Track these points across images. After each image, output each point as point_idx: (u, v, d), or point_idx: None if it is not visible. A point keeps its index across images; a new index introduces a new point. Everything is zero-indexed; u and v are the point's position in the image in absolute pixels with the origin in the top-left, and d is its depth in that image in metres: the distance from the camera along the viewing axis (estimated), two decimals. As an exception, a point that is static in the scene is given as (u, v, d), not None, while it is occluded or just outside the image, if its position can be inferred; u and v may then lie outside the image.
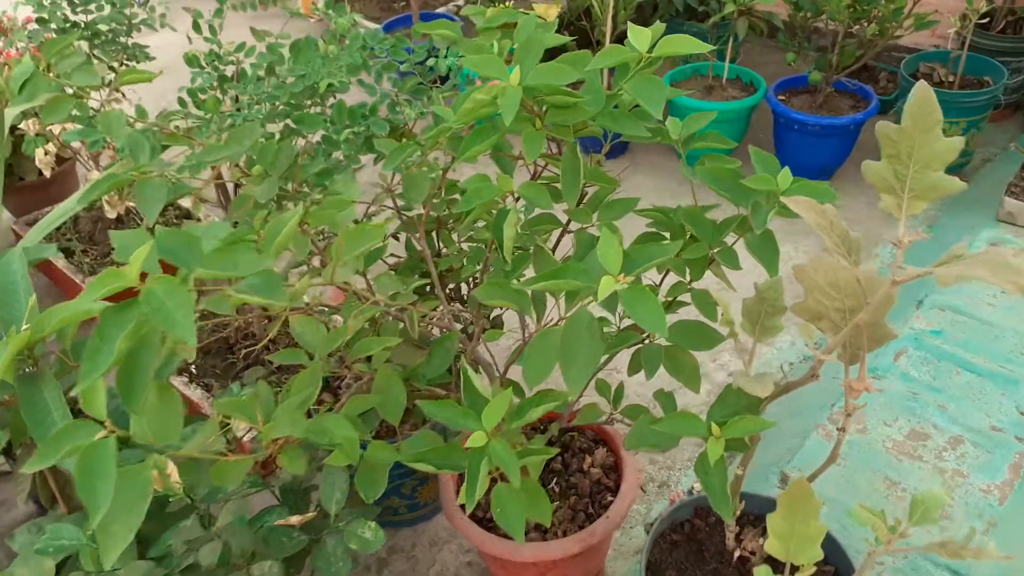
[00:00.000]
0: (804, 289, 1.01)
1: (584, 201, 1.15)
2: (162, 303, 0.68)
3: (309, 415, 1.21)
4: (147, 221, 1.04)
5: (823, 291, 1.00)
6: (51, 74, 1.20)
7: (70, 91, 1.30)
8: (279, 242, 0.76)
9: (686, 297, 1.20)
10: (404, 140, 1.41)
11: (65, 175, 2.68)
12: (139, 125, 1.26)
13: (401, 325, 1.28)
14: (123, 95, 2.36)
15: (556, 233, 1.23)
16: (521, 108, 0.97)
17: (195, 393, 1.92)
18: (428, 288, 1.47)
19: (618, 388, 1.32)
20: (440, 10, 3.80)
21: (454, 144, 1.14)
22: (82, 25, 2.13)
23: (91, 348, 0.68)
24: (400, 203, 1.40)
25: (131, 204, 2.25)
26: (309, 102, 1.60)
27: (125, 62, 2.29)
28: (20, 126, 2.19)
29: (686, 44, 1.01)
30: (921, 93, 0.86)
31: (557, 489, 1.50)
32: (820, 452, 1.75)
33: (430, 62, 1.49)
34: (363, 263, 0.88)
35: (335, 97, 1.56)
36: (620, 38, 2.95)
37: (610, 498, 1.46)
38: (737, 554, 1.26)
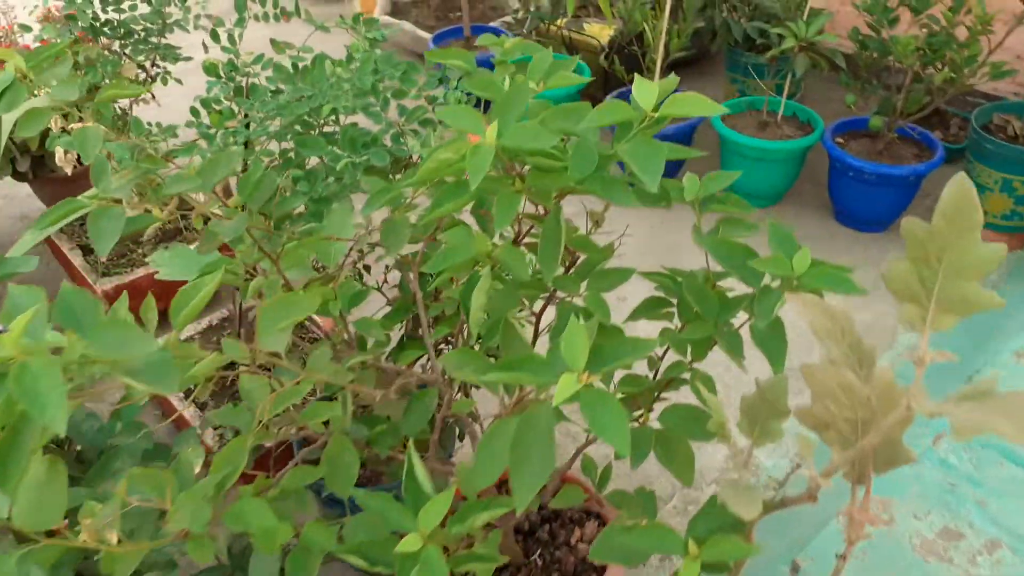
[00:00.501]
0: (811, 393, 0.88)
1: (573, 268, 1.04)
2: (34, 382, 0.59)
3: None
4: (100, 253, 0.96)
5: (834, 397, 0.86)
6: (31, 82, 1.14)
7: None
8: (185, 315, 0.67)
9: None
10: (400, 176, 1.32)
11: (84, 176, 2.66)
12: (116, 143, 1.19)
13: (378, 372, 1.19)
14: (152, 95, 2.33)
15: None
16: (499, 166, 0.86)
17: (188, 411, 1.86)
18: (419, 332, 1.37)
19: (605, 469, 1.20)
20: (494, 23, 3.71)
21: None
22: (114, 23, 2.10)
23: (-48, 426, 0.60)
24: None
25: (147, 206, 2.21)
26: (319, 123, 1.53)
27: (157, 62, 2.26)
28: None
29: (698, 106, 0.89)
30: (959, 189, 0.73)
31: (540, 562, 1.38)
32: (838, 542, 1.60)
33: (439, 92, 1.39)
34: (289, 333, 0.79)
35: (342, 120, 1.48)
36: (672, 66, 2.82)
37: (595, 578, 1.34)
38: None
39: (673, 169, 2.82)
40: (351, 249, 1.14)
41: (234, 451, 0.85)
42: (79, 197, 1.02)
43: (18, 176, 2.56)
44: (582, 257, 1.03)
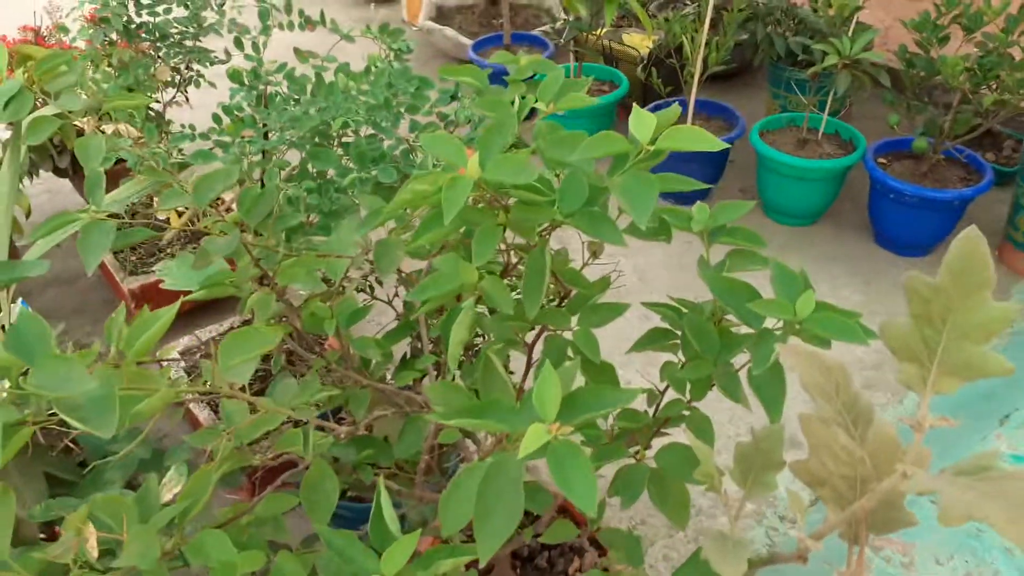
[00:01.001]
0: (809, 446, 0.83)
1: (566, 300, 1.00)
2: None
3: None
4: (87, 268, 0.96)
5: (831, 453, 0.81)
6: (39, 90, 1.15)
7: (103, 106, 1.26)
8: (136, 350, 0.65)
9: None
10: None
11: (126, 171, 2.70)
12: (127, 152, 1.20)
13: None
14: (187, 98, 2.35)
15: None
16: (482, 198, 0.83)
17: (203, 413, 1.87)
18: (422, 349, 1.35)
19: (599, 506, 1.16)
20: (535, 31, 3.68)
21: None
22: (149, 26, 2.13)
23: None
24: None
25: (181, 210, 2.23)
26: (335, 136, 1.52)
27: (190, 65, 2.28)
28: (79, 123, 2.20)
29: (696, 139, 0.85)
30: (968, 244, 0.68)
31: (537, 591, 1.35)
32: (853, 586, 1.53)
33: (449, 109, 1.37)
34: (251, 366, 0.77)
35: (358, 135, 1.46)
36: (710, 78, 2.76)
37: (591, 613, 1.30)
38: None
39: (710, 182, 2.75)
40: (348, 268, 1.12)
41: (199, 482, 0.83)
42: (74, 212, 1.02)
43: (59, 172, 2.61)
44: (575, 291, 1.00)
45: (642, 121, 0.86)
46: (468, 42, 3.69)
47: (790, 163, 2.56)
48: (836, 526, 0.80)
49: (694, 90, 2.70)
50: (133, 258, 2.31)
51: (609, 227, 0.80)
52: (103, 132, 2.21)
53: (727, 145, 0.86)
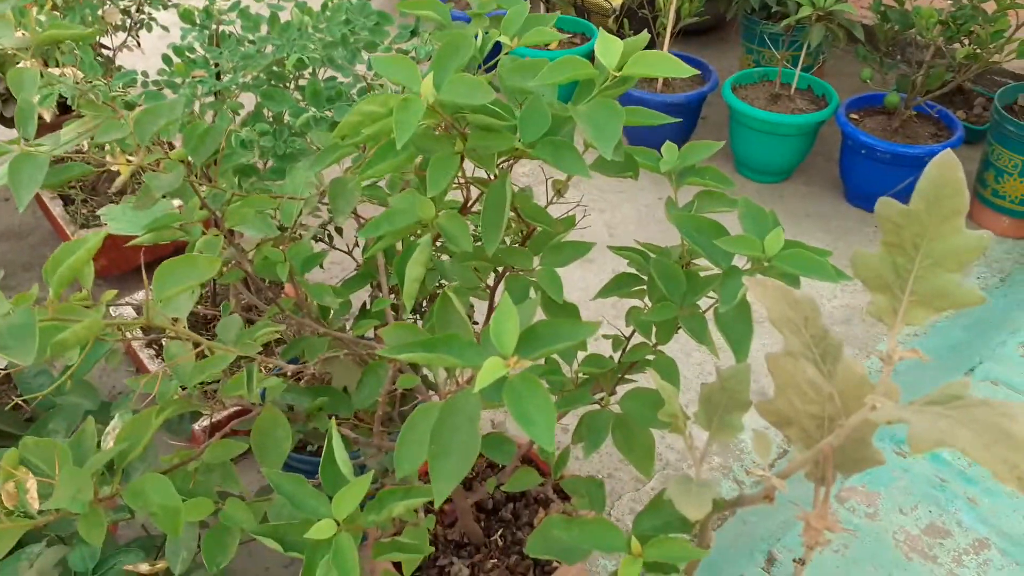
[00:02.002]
0: (775, 385, 0.81)
1: (530, 238, 0.96)
2: None
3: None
4: (19, 203, 0.90)
5: (799, 391, 0.79)
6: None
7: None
8: (60, 276, 0.61)
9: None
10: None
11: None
12: (67, 87, 1.13)
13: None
14: (138, 43, 2.25)
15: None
16: (438, 125, 0.79)
17: (144, 353, 1.82)
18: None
19: (563, 453, 1.13)
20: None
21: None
22: (99, -35, 2.02)
23: None
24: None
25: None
26: (291, 76, 1.45)
27: (141, 7, 2.18)
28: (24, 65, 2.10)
29: (666, 66, 0.81)
30: (942, 169, 0.65)
31: (501, 543, 1.33)
32: (818, 536, 1.53)
33: (410, 45, 1.31)
34: (190, 299, 0.73)
35: (314, 74, 1.40)
36: (684, 32, 2.71)
37: (556, 564, 1.28)
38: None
39: (680, 141, 2.72)
40: (301, 210, 1.07)
41: (139, 424, 0.79)
42: (3, 144, 0.96)
43: (5, 122, 2.51)
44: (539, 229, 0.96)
45: (608, 46, 0.82)
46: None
47: (762, 118, 2.53)
48: (803, 464, 0.78)
49: (667, 43, 2.65)
50: (84, 211, 2.23)
51: (573, 157, 0.76)
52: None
53: (695, 71, 0.82)
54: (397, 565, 1.06)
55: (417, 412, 0.74)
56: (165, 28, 2.16)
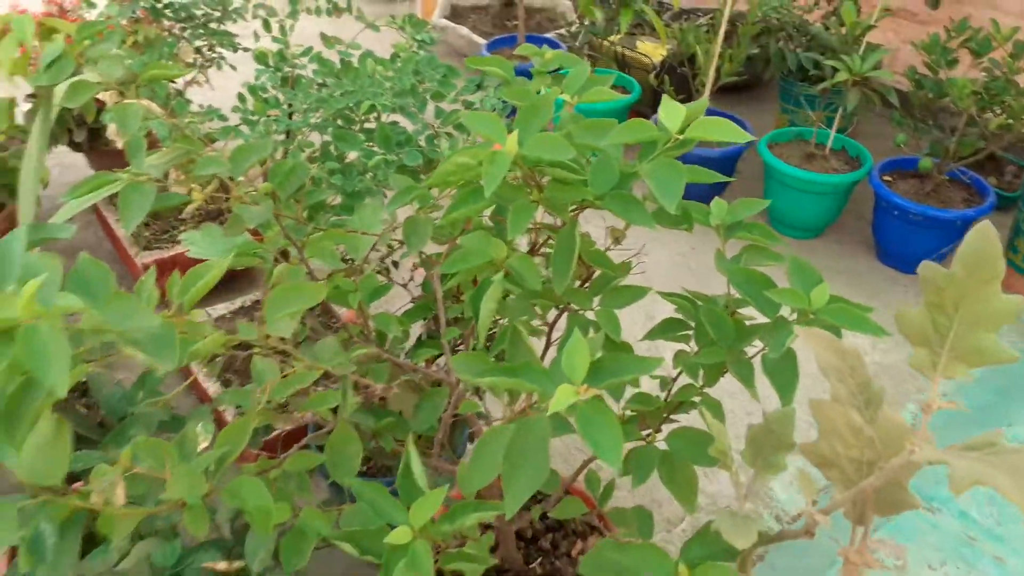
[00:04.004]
0: (819, 430, 0.87)
1: (590, 280, 1.04)
2: (42, 346, 0.61)
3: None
4: (126, 228, 0.99)
5: (840, 436, 0.85)
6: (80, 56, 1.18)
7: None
8: (191, 295, 0.69)
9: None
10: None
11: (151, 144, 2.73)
12: (158, 121, 1.23)
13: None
14: (207, 78, 2.38)
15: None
16: (518, 175, 0.87)
17: (213, 387, 1.90)
18: (437, 331, 1.38)
19: (608, 485, 1.19)
20: (549, 34, 3.73)
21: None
22: (176, 6, 2.16)
23: (-36, 377, 0.62)
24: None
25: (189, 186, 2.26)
26: (361, 119, 1.55)
27: (214, 48, 2.31)
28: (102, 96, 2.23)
29: (723, 130, 0.89)
30: (982, 237, 0.72)
31: (540, 571, 1.38)
32: (844, 585, 1.57)
33: (475, 98, 1.41)
34: (297, 319, 0.81)
35: (383, 119, 1.49)
36: (721, 90, 2.81)
37: (590, 595, 1.33)
38: None
39: (712, 193, 2.80)
40: (375, 243, 1.16)
41: (237, 430, 0.86)
42: (114, 172, 1.05)
43: (75, 146, 2.64)
44: (598, 273, 1.03)
45: (671, 111, 0.90)
46: (482, 41, 3.73)
47: (797, 175, 2.60)
48: (842, 503, 0.84)
49: (705, 99, 2.75)
50: (147, 233, 2.34)
51: (640, 210, 0.84)
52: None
53: (752, 137, 0.90)
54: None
55: (489, 433, 0.81)
56: (233, 67, 2.29)
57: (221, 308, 2.11)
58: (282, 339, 0.83)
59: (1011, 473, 0.60)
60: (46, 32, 2.21)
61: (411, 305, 1.39)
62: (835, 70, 2.55)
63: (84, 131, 2.53)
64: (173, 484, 0.76)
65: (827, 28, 2.90)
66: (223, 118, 1.68)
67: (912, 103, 2.59)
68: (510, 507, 0.75)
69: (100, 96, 2.28)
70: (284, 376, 0.92)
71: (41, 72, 1.15)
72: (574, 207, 0.92)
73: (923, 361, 0.75)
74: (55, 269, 0.67)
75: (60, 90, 1.51)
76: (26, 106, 2.43)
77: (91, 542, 1.12)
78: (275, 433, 1.43)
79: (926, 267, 0.73)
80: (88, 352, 0.71)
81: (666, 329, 1.13)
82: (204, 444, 0.95)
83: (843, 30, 2.75)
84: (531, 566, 1.39)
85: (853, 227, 2.84)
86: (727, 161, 2.83)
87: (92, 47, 1.16)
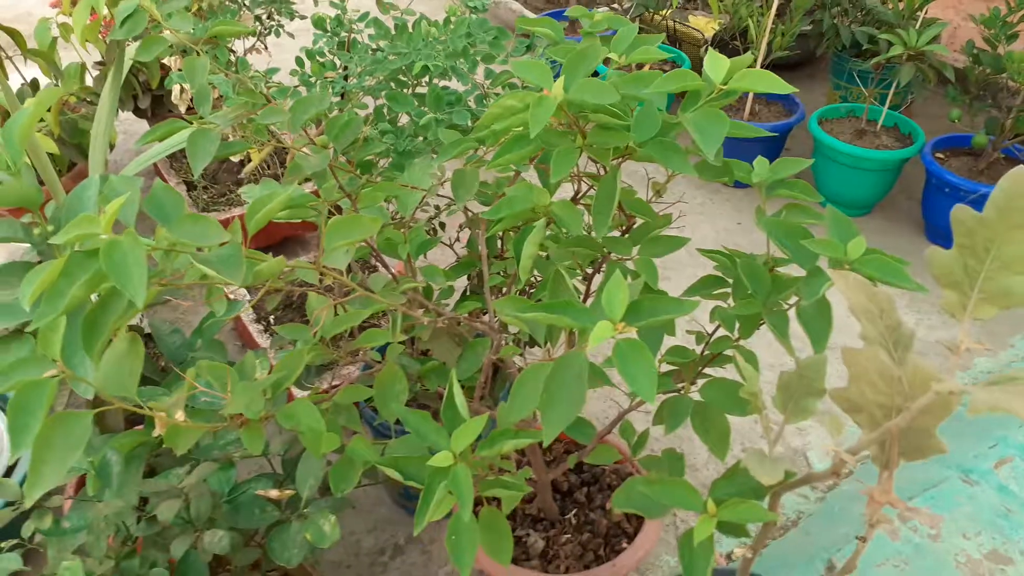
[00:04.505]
0: (849, 375, 0.89)
1: (630, 230, 1.07)
2: (120, 259, 0.67)
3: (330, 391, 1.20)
4: (194, 171, 1.05)
5: (870, 382, 0.87)
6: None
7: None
8: (259, 218, 0.74)
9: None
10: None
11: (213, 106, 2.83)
12: (222, 77, 1.29)
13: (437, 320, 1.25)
14: (265, 46, 2.46)
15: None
16: (563, 122, 0.91)
17: (266, 341, 1.98)
18: (482, 288, 1.43)
19: (642, 434, 1.23)
20: (602, 8, 3.72)
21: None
22: (237, -25, 2.23)
23: (52, 290, 0.69)
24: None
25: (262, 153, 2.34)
26: (413, 82, 1.60)
27: (273, 15, 2.38)
28: (166, 62, 2.32)
29: (768, 82, 0.91)
30: (1014, 182, 0.73)
31: (574, 521, 1.43)
32: (878, 547, 1.58)
33: (525, 58, 1.44)
34: (352, 253, 0.85)
35: (435, 81, 1.54)
36: (773, 66, 2.79)
37: (625, 544, 1.37)
38: (735, 642, 1.15)
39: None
40: (424, 198, 1.21)
41: (292, 358, 0.92)
42: (177, 120, 1.12)
43: (139, 113, 2.75)
44: (638, 223, 1.06)
45: (716, 63, 0.93)
46: (533, 15, 3.75)
47: (847, 151, 2.58)
48: (871, 443, 0.86)
49: (750, 56, 2.74)
50: (205, 196, 2.43)
51: (680, 156, 0.87)
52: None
53: (794, 88, 0.92)
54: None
55: (528, 370, 0.85)
56: (291, 35, 2.35)
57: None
58: (338, 272, 0.88)
59: (1029, 400, 0.62)
60: (116, 0, 2.30)
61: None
62: (890, 44, 2.52)
63: (148, 97, 2.63)
64: (234, 399, 0.82)
65: (884, 2, 2.85)
66: (280, 81, 1.74)
67: (968, 79, 2.54)
68: (548, 435, 0.79)
69: (165, 61, 2.37)
70: (337, 316, 0.98)
71: (117, 27, 1.22)
72: (616, 157, 0.95)
73: (952, 303, 0.77)
74: (135, 191, 0.73)
75: (132, 49, 1.59)
76: (95, 72, 2.54)
77: (151, 475, 1.20)
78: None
79: (959, 209, 0.75)
80: (159, 276, 0.77)
81: (704, 285, 1.16)
82: (259, 374, 1.01)
83: (900, 4, 2.71)
84: (566, 517, 1.44)
85: (903, 206, 2.81)
86: (778, 137, 2.81)
87: (165, 4, 1.22)
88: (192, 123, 1.09)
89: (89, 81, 2.40)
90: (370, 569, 1.65)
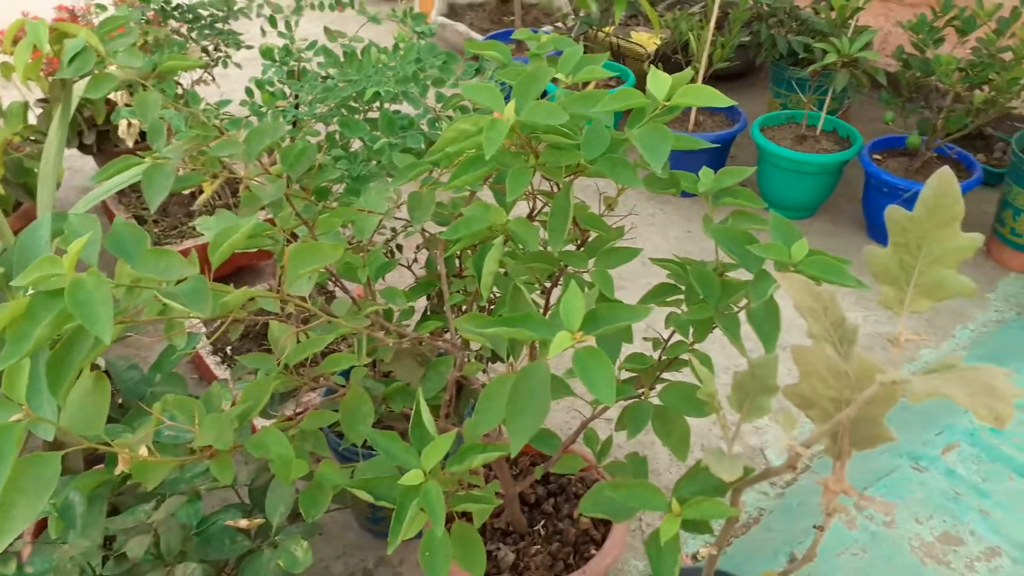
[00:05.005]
0: (800, 373, 0.93)
1: (585, 243, 1.10)
2: (86, 297, 0.68)
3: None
4: (151, 206, 1.06)
5: (820, 377, 0.91)
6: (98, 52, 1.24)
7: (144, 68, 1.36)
8: (223, 250, 0.75)
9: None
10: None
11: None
12: (173, 111, 1.30)
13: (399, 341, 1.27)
14: (212, 77, 2.45)
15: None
16: (516, 143, 0.94)
17: (224, 373, 1.97)
18: (442, 307, 1.45)
19: (606, 441, 1.26)
20: (545, 28, 3.79)
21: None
22: (184, 7, 2.23)
23: (15, 332, 0.69)
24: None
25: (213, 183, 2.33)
26: (364, 108, 1.62)
27: (220, 47, 2.38)
28: (112, 97, 2.30)
29: (708, 97, 0.95)
30: (941, 183, 0.78)
31: (543, 532, 1.45)
32: (835, 537, 1.63)
33: (474, 81, 1.47)
34: (315, 280, 0.87)
35: (385, 106, 1.56)
36: (714, 76, 2.87)
37: (593, 551, 1.40)
38: (706, 639, 1.18)
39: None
40: (380, 221, 1.22)
41: (258, 387, 0.93)
42: (136, 155, 1.12)
43: (84, 149, 2.71)
44: (592, 237, 1.10)
45: (659, 80, 0.97)
46: (479, 37, 3.79)
47: (789, 157, 2.67)
48: (822, 435, 0.90)
49: (691, 72, 2.81)
50: (156, 230, 2.41)
51: (629, 171, 0.90)
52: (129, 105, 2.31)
53: (733, 101, 0.97)
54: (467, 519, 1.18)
55: (493, 383, 0.87)
56: (238, 65, 2.36)
57: (232, 298, 2.19)
58: (301, 299, 0.90)
59: (963, 384, 0.67)
60: (58, 37, 2.28)
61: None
62: (825, 52, 2.61)
63: (93, 133, 2.60)
64: (203, 431, 0.83)
65: (817, 12, 2.96)
66: (230, 112, 1.75)
67: (900, 82, 2.65)
68: (515, 445, 0.81)
69: (110, 97, 2.36)
70: (299, 343, 0.99)
71: (65, 66, 1.22)
72: (569, 174, 0.98)
73: (891, 298, 0.81)
74: (96, 230, 0.73)
75: (79, 86, 1.58)
76: (38, 110, 2.51)
77: (114, 514, 1.19)
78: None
79: (892, 210, 0.80)
80: (122, 313, 0.78)
81: (658, 293, 1.20)
82: (224, 406, 1.01)
83: (832, 14, 2.82)
84: (535, 528, 1.46)
85: (845, 208, 2.90)
86: (721, 146, 2.89)
87: (112, 41, 1.22)
88: (144, 158, 1.10)
89: (32, 119, 2.37)
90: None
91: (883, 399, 0.86)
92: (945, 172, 0.79)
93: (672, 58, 3.04)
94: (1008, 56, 2.42)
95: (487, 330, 0.82)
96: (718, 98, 0.95)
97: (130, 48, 1.24)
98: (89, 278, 0.69)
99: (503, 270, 1.17)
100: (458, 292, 1.39)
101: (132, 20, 1.87)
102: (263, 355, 1.02)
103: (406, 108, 1.56)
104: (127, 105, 2.26)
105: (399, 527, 0.83)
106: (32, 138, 2.27)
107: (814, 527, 1.01)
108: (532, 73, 0.89)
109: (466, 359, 1.09)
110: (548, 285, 1.16)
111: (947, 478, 1.74)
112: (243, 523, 1.03)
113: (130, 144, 2.34)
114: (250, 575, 0.98)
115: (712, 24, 2.70)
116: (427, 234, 1.45)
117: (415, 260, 1.71)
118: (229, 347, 1.97)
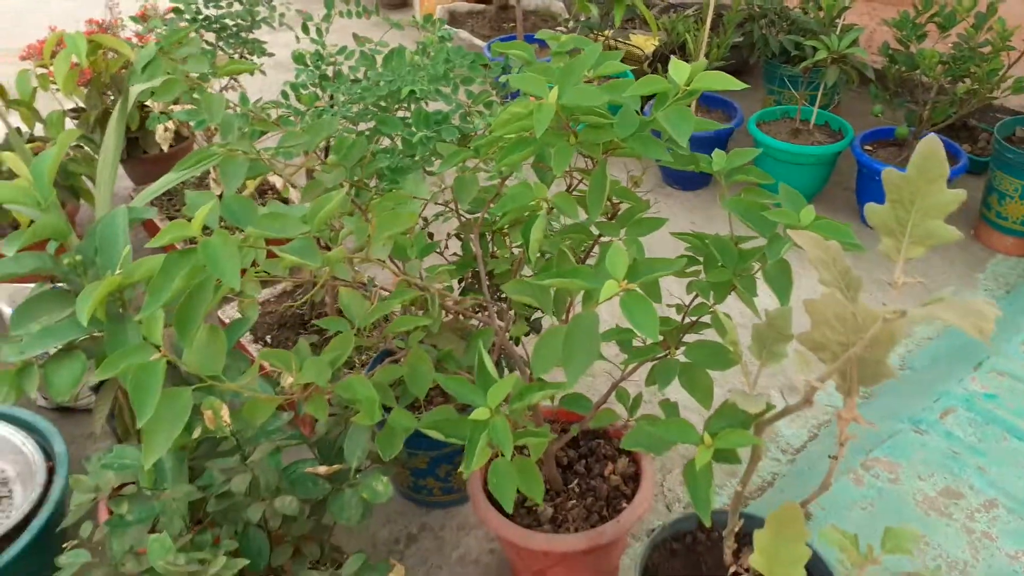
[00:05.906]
0: (811, 322, 1.07)
1: (616, 216, 1.24)
2: (216, 252, 0.81)
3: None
4: (227, 192, 1.19)
5: (829, 324, 1.05)
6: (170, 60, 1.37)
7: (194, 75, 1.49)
8: (322, 215, 0.88)
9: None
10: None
11: (184, 151, 2.93)
12: (237, 110, 1.43)
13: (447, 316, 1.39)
14: (239, 84, 2.59)
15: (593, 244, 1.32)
16: (557, 125, 1.07)
17: (244, 338, 2.09)
18: (476, 285, 1.58)
19: (636, 397, 1.39)
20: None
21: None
22: (212, 18, 2.36)
23: (154, 285, 0.82)
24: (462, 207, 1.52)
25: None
26: (395, 106, 1.75)
27: (245, 55, 2.52)
28: (147, 103, 2.43)
29: (722, 81, 1.09)
30: (929, 147, 0.92)
31: (577, 489, 1.57)
32: (845, 494, 1.76)
33: (502, 79, 1.61)
34: (392, 245, 0.99)
35: (418, 103, 1.69)
36: (711, 74, 3.00)
37: (625, 505, 1.52)
38: (732, 570, 1.31)
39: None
40: (426, 205, 1.36)
41: (342, 341, 1.06)
42: (210, 148, 1.25)
43: (111, 157, 2.83)
44: (623, 210, 1.23)
45: (679, 68, 1.10)
46: (481, 43, 3.94)
47: (785, 149, 2.81)
48: (832, 373, 1.04)
49: (704, 60, 2.96)
50: (189, 231, 2.54)
51: (658, 146, 1.04)
52: (167, 112, 2.44)
53: (746, 86, 1.10)
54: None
55: (547, 333, 1.00)
56: (263, 72, 2.49)
57: (265, 293, 2.31)
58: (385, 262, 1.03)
59: (955, 310, 0.80)
60: (92, 48, 2.41)
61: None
62: (815, 50, 2.76)
63: (123, 141, 2.73)
64: (306, 371, 0.95)
65: (805, 12, 3.12)
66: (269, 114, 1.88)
67: (887, 77, 2.80)
68: (570, 380, 0.94)
69: (147, 103, 2.48)
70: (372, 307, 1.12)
71: (136, 74, 1.35)
72: (604, 152, 1.12)
73: (890, 247, 0.95)
74: (213, 201, 0.86)
75: (135, 91, 1.71)
76: (69, 123, 2.63)
77: (193, 472, 1.32)
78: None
79: (888, 172, 0.94)
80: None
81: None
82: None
83: (821, 13, 2.97)
84: (569, 487, 1.58)
85: (839, 196, 3.05)
86: (719, 140, 3.03)
87: (180, 48, 1.35)
88: (218, 147, 1.23)
89: (68, 127, 2.49)
90: (389, 557, 1.76)
91: (885, 339, 1.00)
92: (931, 138, 0.93)
93: (670, 59, 3.19)
94: (987, 49, 2.57)
95: (544, 281, 0.95)
96: (731, 82, 1.09)
97: (198, 55, 1.37)
98: (216, 237, 0.82)
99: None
100: (504, 259, 1.52)
101: (191, 31, 2.00)
102: (339, 319, 1.14)
103: (433, 107, 1.69)
104: (163, 113, 2.39)
105: (471, 458, 0.96)
106: (77, 143, 2.40)
107: (829, 456, 1.13)
108: (573, 63, 1.03)
109: (512, 320, 1.22)
110: (582, 258, 1.29)
111: (946, 440, 1.87)
112: (322, 469, 1.15)
113: (165, 148, 2.47)
114: (336, 509, 1.11)
115: (708, 25, 2.85)
116: (463, 218, 1.59)
117: (446, 246, 1.84)
118: (270, 336, 2.09)
